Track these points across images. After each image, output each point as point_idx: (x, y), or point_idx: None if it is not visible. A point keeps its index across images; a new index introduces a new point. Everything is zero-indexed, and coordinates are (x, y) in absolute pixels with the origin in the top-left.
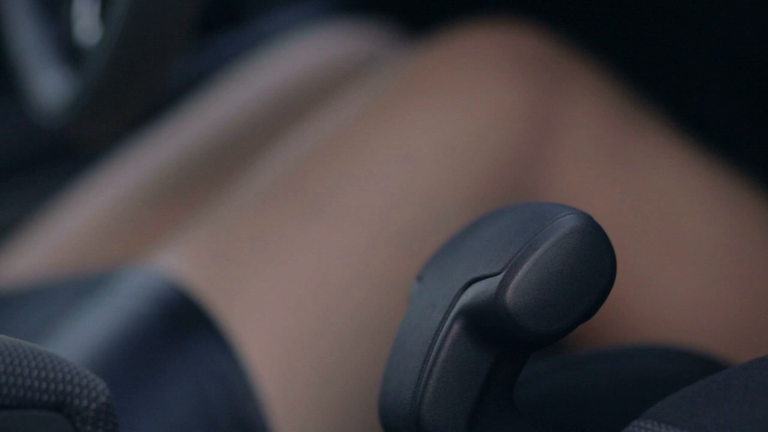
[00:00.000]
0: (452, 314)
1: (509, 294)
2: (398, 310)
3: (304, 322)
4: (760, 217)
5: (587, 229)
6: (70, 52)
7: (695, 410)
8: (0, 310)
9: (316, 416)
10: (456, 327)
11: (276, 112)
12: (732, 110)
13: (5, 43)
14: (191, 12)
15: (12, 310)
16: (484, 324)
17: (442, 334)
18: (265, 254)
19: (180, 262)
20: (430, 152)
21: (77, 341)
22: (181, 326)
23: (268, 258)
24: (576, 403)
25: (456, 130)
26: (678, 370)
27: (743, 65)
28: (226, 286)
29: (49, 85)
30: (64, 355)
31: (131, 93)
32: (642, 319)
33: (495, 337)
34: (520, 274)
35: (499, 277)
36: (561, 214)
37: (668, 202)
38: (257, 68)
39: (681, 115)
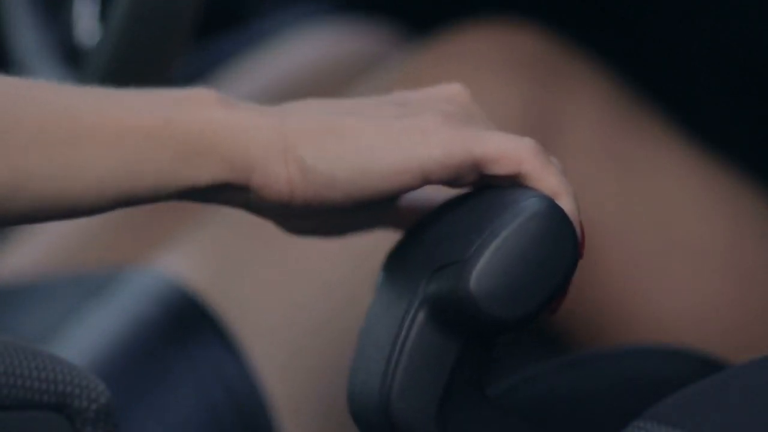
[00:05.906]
0: (417, 303)
1: (472, 281)
2: None
3: (308, 324)
4: (759, 217)
5: (549, 212)
6: (70, 53)
7: (695, 410)
8: (3, 306)
9: (321, 417)
10: (421, 315)
11: None
12: (732, 110)
13: (6, 43)
14: (191, 13)
15: (15, 309)
16: (450, 311)
17: (407, 322)
18: (268, 256)
19: (183, 264)
20: None
21: (82, 343)
22: (186, 329)
23: (270, 260)
24: (576, 404)
25: None
26: (678, 370)
27: (744, 65)
28: (229, 288)
29: None
30: (67, 357)
31: None
32: (642, 319)
33: (460, 324)
34: (483, 260)
35: (463, 264)
36: (523, 199)
37: (668, 202)
38: (256, 66)
39: (681, 115)
